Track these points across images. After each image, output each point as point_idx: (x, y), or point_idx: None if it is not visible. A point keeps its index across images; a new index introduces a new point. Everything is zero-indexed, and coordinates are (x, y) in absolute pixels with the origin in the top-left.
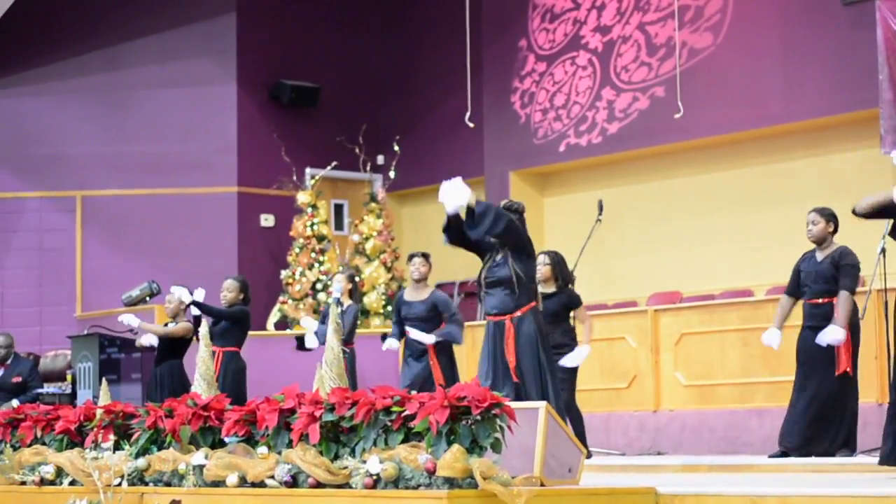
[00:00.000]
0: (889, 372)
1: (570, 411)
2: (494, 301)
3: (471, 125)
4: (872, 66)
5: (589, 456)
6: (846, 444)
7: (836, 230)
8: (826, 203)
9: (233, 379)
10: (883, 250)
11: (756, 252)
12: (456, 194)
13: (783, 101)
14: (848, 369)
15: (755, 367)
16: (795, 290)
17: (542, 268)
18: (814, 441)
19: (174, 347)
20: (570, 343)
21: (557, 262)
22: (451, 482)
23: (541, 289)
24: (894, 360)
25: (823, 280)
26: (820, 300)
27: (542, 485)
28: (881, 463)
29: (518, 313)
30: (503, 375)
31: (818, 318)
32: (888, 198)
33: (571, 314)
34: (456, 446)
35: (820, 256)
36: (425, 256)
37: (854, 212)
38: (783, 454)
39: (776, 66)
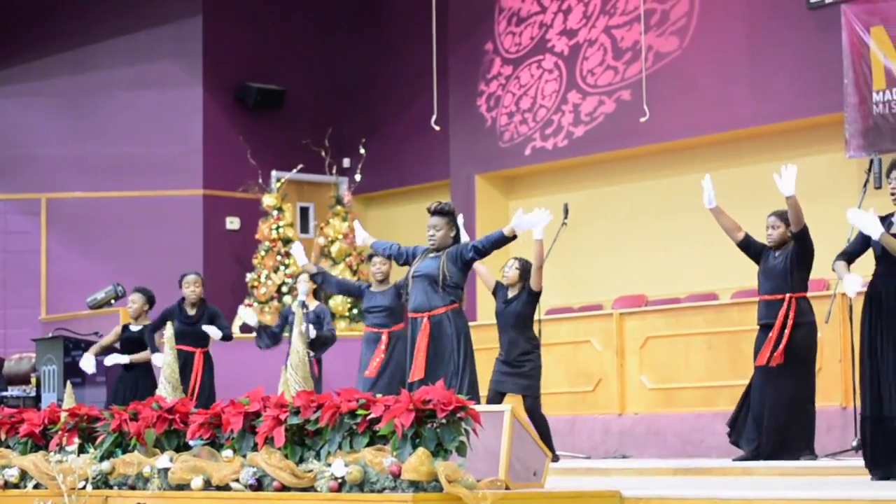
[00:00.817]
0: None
1: (534, 417)
2: (417, 298)
3: (437, 128)
4: (838, 71)
5: (555, 459)
6: (808, 446)
7: None
8: None
9: (211, 377)
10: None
11: (721, 255)
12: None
13: (749, 104)
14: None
15: (720, 370)
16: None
17: (510, 271)
18: (770, 442)
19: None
20: (533, 350)
21: (526, 268)
22: (416, 485)
23: (508, 293)
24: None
25: (779, 277)
26: (775, 297)
27: (507, 488)
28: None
29: (438, 311)
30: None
31: (772, 316)
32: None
33: (535, 318)
34: (421, 449)
35: (778, 252)
36: (388, 256)
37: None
38: (749, 457)
39: (742, 70)
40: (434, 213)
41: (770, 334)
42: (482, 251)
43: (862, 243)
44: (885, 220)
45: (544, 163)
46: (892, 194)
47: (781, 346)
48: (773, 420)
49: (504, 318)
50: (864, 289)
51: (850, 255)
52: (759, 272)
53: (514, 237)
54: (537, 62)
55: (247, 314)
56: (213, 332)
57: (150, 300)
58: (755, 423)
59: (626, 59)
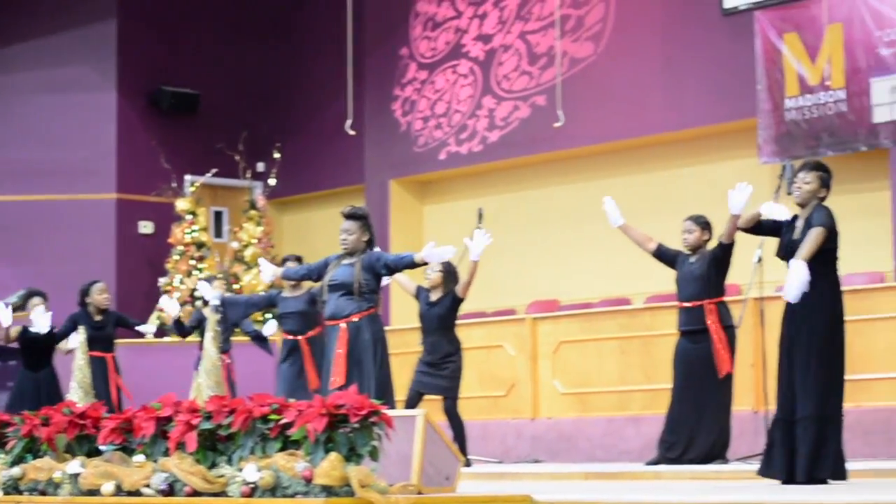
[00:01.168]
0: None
1: (452, 419)
2: (333, 305)
3: (352, 133)
4: (751, 77)
5: (468, 464)
6: (723, 451)
7: (710, 238)
8: (705, 211)
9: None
10: (759, 259)
11: (635, 261)
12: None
13: (663, 110)
14: (731, 371)
15: (632, 375)
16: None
17: (433, 274)
18: (692, 448)
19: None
20: (455, 353)
21: (450, 271)
22: (328, 490)
23: (431, 296)
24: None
25: (697, 282)
26: (693, 303)
27: (419, 493)
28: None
29: (355, 318)
30: (327, 378)
31: (693, 322)
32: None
33: (456, 321)
34: (333, 454)
35: (693, 258)
36: (298, 260)
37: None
38: (659, 461)
39: (656, 76)
40: (347, 217)
41: (715, 345)
42: (392, 270)
43: (772, 226)
44: (790, 223)
45: (459, 167)
46: (796, 192)
47: (727, 354)
48: (700, 426)
49: (428, 321)
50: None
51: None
52: (677, 278)
53: (424, 264)
54: (452, 67)
55: (169, 304)
56: (149, 328)
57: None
58: (673, 428)
59: (541, 64)
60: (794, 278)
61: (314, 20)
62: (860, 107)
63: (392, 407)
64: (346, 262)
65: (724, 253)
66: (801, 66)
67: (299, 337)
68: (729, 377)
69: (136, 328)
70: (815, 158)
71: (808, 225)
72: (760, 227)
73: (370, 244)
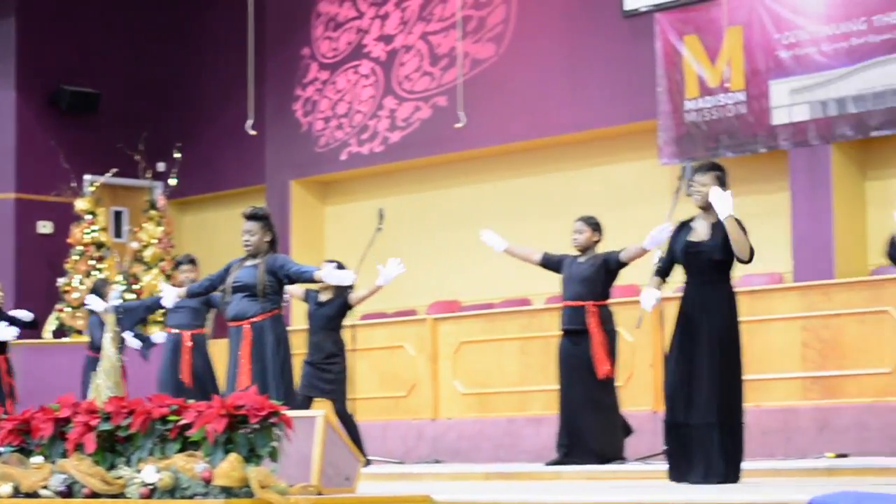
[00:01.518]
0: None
1: (343, 420)
2: (237, 306)
3: (252, 133)
4: (652, 78)
5: (367, 464)
6: (619, 451)
7: (600, 239)
8: (606, 212)
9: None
10: (659, 261)
11: None
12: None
13: (565, 111)
14: (610, 374)
15: (532, 375)
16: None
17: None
18: (586, 449)
19: None
20: (339, 353)
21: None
22: (227, 491)
23: (320, 297)
24: None
25: (583, 283)
26: (576, 303)
27: (319, 493)
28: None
29: (258, 319)
30: (233, 380)
31: (576, 322)
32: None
33: (350, 323)
34: (233, 455)
35: (582, 259)
36: (192, 262)
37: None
38: (560, 462)
39: (558, 77)
40: (249, 217)
41: (594, 347)
42: (292, 281)
43: (669, 259)
44: (686, 224)
45: (360, 168)
46: (695, 195)
47: (605, 356)
48: (585, 426)
49: (315, 321)
50: (657, 303)
51: (662, 271)
52: (563, 278)
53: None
54: (354, 67)
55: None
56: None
57: None
58: (565, 429)
59: (443, 65)
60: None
61: (215, 20)
62: (759, 109)
63: (294, 408)
64: (249, 263)
65: (616, 267)
66: (700, 68)
67: (185, 332)
68: (609, 379)
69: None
70: (710, 159)
71: (720, 229)
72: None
73: (273, 244)
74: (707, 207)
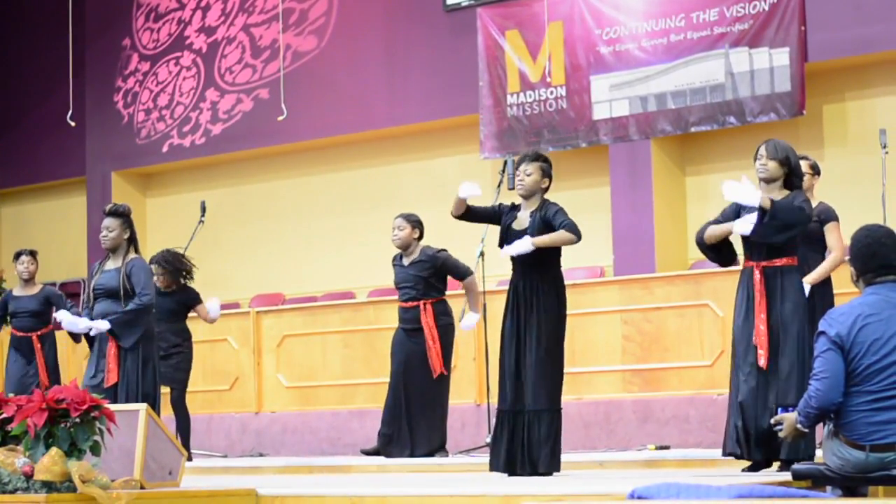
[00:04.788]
0: (487, 373)
1: (179, 410)
2: (101, 309)
3: (72, 124)
4: (474, 73)
5: (190, 459)
6: (442, 445)
7: (421, 236)
8: (427, 207)
9: None
10: (481, 254)
11: (358, 255)
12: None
13: (387, 105)
14: (443, 371)
15: (356, 368)
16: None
17: (160, 278)
18: (409, 442)
19: None
20: (183, 343)
21: (174, 270)
22: (49, 486)
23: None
24: None
25: (412, 285)
26: (409, 304)
27: (142, 487)
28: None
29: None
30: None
31: (410, 322)
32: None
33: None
34: (54, 449)
35: (406, 261)
36: (33, 254)
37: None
38: (378, 452)
39: (380, 71)
40: (108, 214)
41: (429, 343)
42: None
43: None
44: (513, 209)
45: (182, 160)
46: (519, 185)
47: (439, 353)
48: (416, 420)
49: (157, 313)
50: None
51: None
52: (396, 282)
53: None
54: (175, 59)
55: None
56: None
57: None
58: (389, 420)
59: (265, 57)
60: (520, 246)
61: (35, 8)
62: (580, 104)
63: (158, 403)
64: (108, 267)
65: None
66: (522, 63)
67: (32, 334)
68: (443, 375)
69: None
70: (535, 150)
71: (543, 221)
72: (470, 214)
73: (132, 241)
74: (529, 196)
